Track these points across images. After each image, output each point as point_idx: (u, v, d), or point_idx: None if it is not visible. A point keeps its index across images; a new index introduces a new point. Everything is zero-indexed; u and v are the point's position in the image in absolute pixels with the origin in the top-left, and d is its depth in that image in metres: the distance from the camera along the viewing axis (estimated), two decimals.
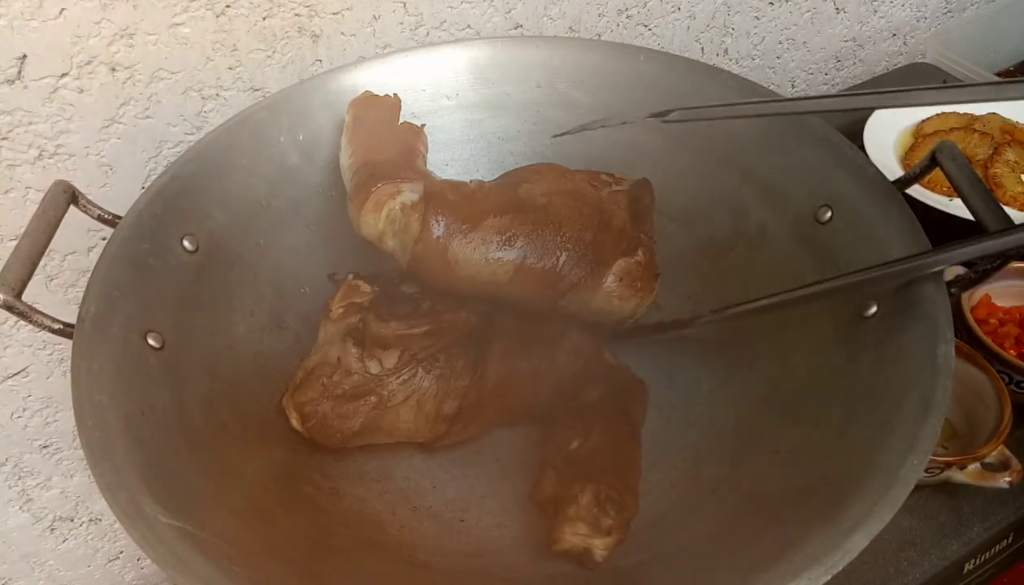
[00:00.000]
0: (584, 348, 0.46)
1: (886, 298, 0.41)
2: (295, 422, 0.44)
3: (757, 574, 0.32)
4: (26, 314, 0.38)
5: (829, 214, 0.46)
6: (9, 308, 0.37)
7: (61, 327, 0.39)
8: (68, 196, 0.43)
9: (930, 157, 0.41)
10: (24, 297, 0.38)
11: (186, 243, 0.46)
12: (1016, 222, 0.37)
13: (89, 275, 0.42)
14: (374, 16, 0.60)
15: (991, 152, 0.73)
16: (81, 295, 0.41)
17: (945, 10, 0.96)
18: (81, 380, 0.37)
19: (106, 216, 0.45)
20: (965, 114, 0.77)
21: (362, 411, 0.43)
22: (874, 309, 0.41)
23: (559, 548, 0.39)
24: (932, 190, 0.69)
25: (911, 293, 0.40)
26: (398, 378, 0.43)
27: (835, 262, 0.45)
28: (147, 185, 0.47)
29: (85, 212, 0.44)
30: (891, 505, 0.32)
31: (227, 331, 0.46)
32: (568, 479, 0.41)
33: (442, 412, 0.44)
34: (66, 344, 0.39)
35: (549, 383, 0.45)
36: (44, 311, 0.39)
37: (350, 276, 0.47)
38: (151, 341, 0.41)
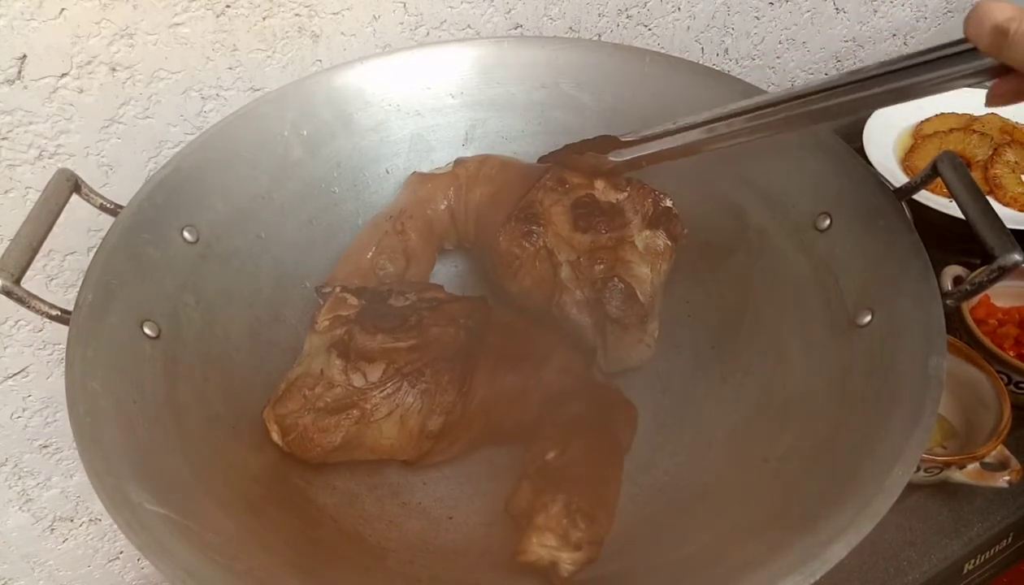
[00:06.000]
0: (574, 366, 0.45)
1: (881, 307, 0.41)
2: (275, 435, 0.43)
3: (737, 580, 0.32)
4: (24, 300, 0.38)
5: (828, 222, 0.46)
6: (7, 293, 0.37)
7: (59, 313, 0.39)
8: (71, 184, 0.43)
9: (931, 167, 0.41)
10: None
11: (186, 234, 0.46)
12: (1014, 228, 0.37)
13: None
14: (374, 16, 0.60)
15: (991, 153, 0.73)
16: None
17: (945, 10, 0.96)
18: (75, 366, 0.37)
19: (108, 206, 0.45)
20: (964, 114, 0.78)
21: (343, 425, 0.42)
22: (868, 318, 0.41)
23: (524, 559, 0.38)
24: (932, 192, 0.69)
25: (906, 304, 0.40)
26: (382, 392, 0.42)
27: (833, 270, 0.45)
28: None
29: (87, 201, 0.44)
30: (872, 516, 0.32)
31: (224, 323, 0.46)
32: (540, 489, 0.39)
33: (426, 428, 0.43)
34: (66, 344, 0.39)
35: (536, 401, 0.44)
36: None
37: (338, 289, 0.46)
38: (147, 330, 0.41)
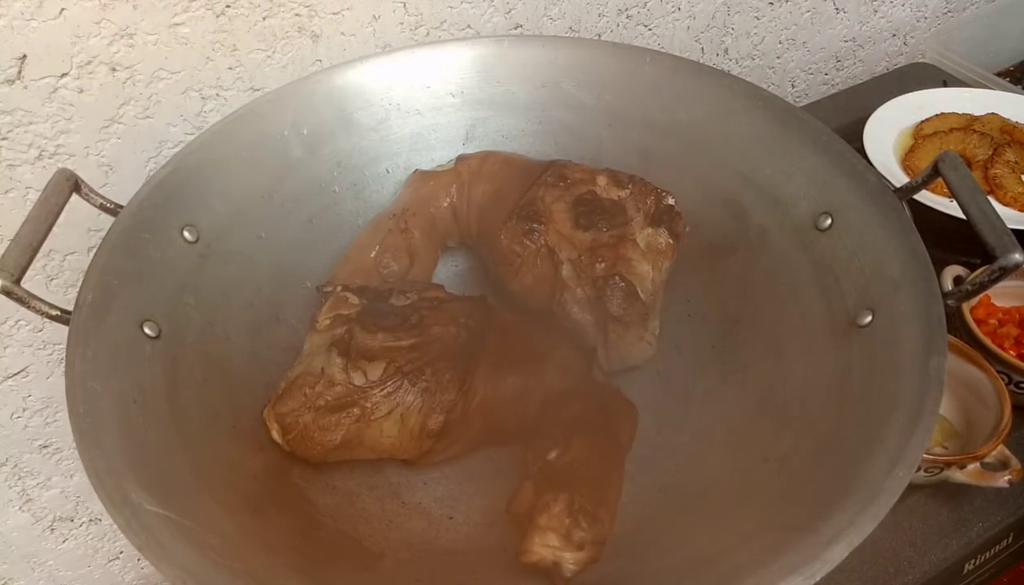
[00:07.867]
0: (573, 365, 0.45)
1: (882, 308, 0.41)
2: (276, 435, 0.43)
3: (737, 580, 0.32)
4: (24, 300, 0.38)
5: (829, 221, 0.46)
6: (7, 293, 0.37)
7: (59, 313, 0.39)
8: (71, 184, 0.43)
9: (932, 167, 0.41)
10: None
11: (186, 234, 0.46)
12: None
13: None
14: (374, 16, 0.60)
15: (991, 152, 0.73)
16: None
17: (945, 10, 0.96)
18: (75, 366, 0.37)
19: (108, 205, 0.45)
20: (965, 114, 0.77)
21: (344, 423, 0.42)
22: (869, 319, 0.41)
23: (527, 560, 0.38)
24: (933, 191, 0.69)
25: (906, 304, 0.40)
26: (382, 390, 0.42)
27: (834, 270, 0.45)
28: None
29: (87, 201, 0.44)
30: (873, 517, 0.32)
31: (224, 322, 0.46)
32: (542, 489, 0.39)
33: (427, 427, 0.43)
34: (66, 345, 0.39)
35: (536, 400, 0.44)
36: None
37: (339, 288, 0.46)
38: (147, 330, 0.41)
